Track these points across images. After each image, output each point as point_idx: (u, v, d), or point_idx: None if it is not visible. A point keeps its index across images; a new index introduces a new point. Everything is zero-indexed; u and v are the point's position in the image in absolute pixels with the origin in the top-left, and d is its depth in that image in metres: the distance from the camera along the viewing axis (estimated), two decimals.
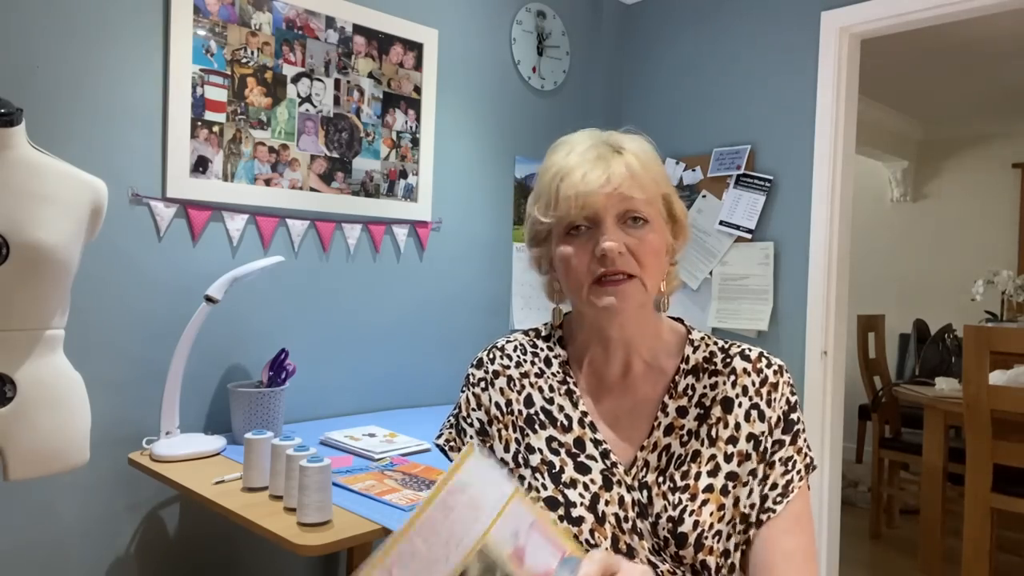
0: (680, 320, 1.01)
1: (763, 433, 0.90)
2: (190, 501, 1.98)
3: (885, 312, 4.47)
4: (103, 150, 1.82)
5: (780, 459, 0.90)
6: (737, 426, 0.90)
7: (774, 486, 0.88)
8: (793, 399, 0.92)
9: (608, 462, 0.90)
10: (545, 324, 1.03)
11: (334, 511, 1.40)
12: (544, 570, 0.58)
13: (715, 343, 0.97)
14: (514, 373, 0.97)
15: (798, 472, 0.89)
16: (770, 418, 0.91)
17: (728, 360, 0.94)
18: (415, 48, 2.47)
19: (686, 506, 0.86)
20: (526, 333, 1.03)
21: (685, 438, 0.91)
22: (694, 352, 0.96)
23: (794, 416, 0.92)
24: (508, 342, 1.01)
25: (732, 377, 0.93)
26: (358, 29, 2.31)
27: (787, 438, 0.90)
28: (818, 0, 2.60)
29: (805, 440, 0.92)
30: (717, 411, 0.91)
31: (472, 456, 0.63)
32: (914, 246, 5.44)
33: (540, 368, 0.98)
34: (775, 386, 0.92)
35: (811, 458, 0.92)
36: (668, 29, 3.05)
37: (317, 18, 2.21)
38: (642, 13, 3.16)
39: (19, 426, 1.31)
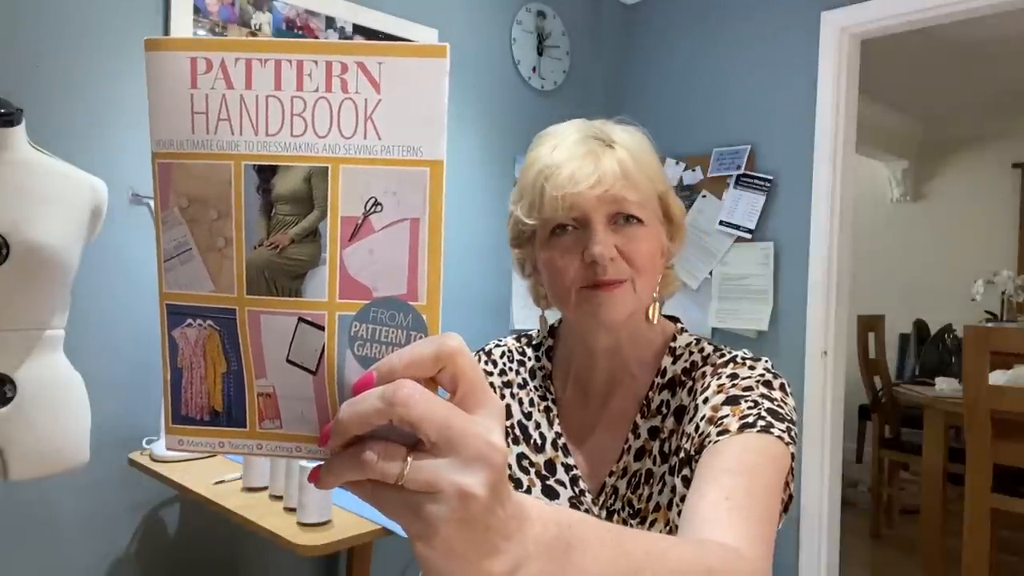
0: (676, 320, 0.91)
1: (703, 418, 0.76)
2: (190, 501, 1.98)
3: (885, 312, 4.45)
4: (103, 150, 1.81)
5: (708, 419, 0.75)
6: (684, 434, 0.79)
7: (702, 434, 0.75)
8: (757, 385, 0.77)
9: (576, 489, 0.85)
10: (539, 330, 0.97)
11: (334, 511, 1.40)
12: (363, 279, 0.38)
13: (700, 351, 0.85)
14: (496, 380, 0.92)
15: (724, 428, 0.73)
16: (712, 405, 0.76)
17: (703, 366, 0.83)
18: None
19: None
20: (519, 339, 0.97)
21: (653, 460, 0.82)
22: (673, 363, 0.85)
23: (746, 394, 0.76)
24: (497, 346, 0.96)
25: (690, 383, 0.82)
26: (358, 29, 2.31)
27: (728, 408, 0.75)
28: (818, 0, 2.60)
29: (757, 411, 0.74)
30: (670, 423, 0.82)
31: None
32: (914, 246, 5.44)
33: (524, 379, 0.92)
34: (733, 376, 0.79)
35: (758, 419, 0.73)
36: (668, 29, 3.05)
37: (317, 18, 2.21)
38: (642, 13, 3.15)
39: (19, 426, 1.31)
